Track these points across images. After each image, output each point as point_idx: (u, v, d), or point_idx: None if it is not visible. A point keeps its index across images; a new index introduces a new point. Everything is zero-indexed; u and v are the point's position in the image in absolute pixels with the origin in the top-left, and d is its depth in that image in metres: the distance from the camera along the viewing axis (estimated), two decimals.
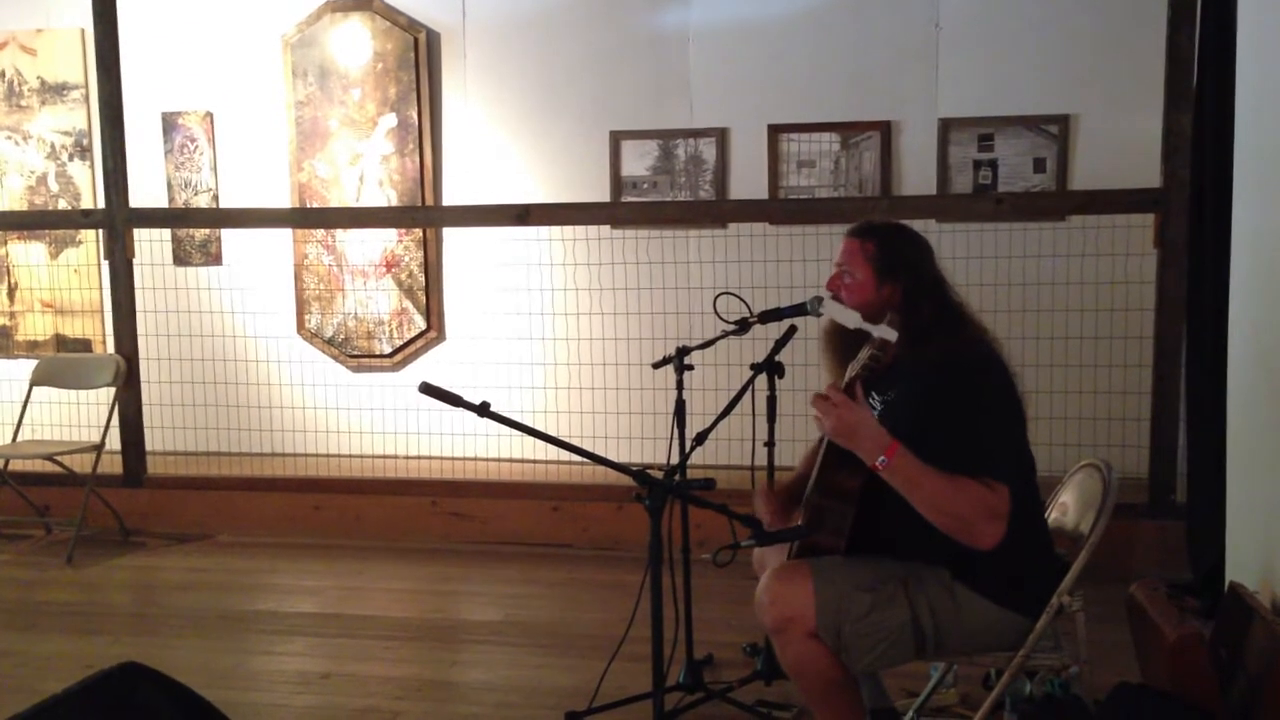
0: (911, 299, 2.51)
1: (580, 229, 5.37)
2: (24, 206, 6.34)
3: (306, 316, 6.10)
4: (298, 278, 6.09)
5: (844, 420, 2.33)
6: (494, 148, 5.85)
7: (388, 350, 6.04)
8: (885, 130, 5.41)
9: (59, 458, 5.20)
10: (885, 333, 2.35)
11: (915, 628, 2.39)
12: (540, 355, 5.65)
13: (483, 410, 2.16)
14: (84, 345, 6.32)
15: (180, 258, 6.17)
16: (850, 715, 2.47)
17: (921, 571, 2.44)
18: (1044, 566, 2.48)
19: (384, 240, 5.98)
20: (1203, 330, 4.08)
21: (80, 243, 6.28)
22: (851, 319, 2.47)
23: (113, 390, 5.35)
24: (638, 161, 5.69)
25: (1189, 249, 4.31)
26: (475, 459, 5.45)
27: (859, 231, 2.63)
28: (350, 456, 5.86)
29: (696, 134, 5.62)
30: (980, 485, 2.29)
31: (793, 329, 3.22)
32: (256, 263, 6.11)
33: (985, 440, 2.37)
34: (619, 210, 5.49)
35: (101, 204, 5.61)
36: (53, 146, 6.32)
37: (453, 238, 5.97)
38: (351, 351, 6.08)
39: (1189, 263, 4.31)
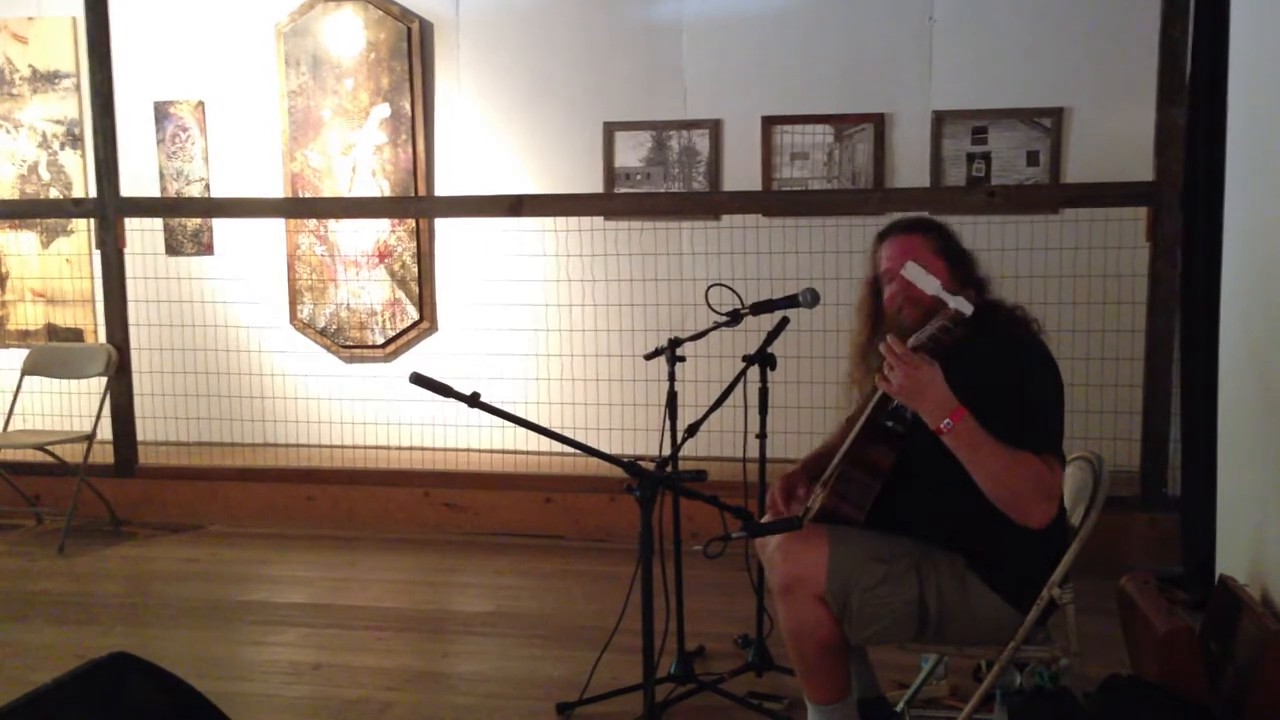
0: (972, 287, 2.49)
1: (573, 220, 5.37)
2: (15, 195, 6.31)
3: (299, 307, 6.09)
4: (290, 268, 6.08)
5: (916, 376, 2.28)
6: (487, 138, 5.84)
7: (380, 341, 6.03)
8: (879, 122, 5.41)
9: (50, 447, 5.18)
10: (962, 305, 2.27)
11: (921, 608, 2.41)
12: (533, 346, 5.64)
13: (473, 401, 2.16)
14: (75, 335, 6.30)
15: (172, 247, 6.15)
16: (837, 686, 2.49)
17: (936, 554, 2.45)
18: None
19: (377, 230, 5.97)
20: (1195, 324, 4.09)
21: (72, 232, 6.27)
22: (931, 285, 2.37)
23: (104, 380, 5.34)
24: (631, 153, 5.68)
25: (1182, 243, 4.32)
26: (468, 450, 5.45)
27: (907, 227, 2.59)
28: (343, 447, 5.86)
29: (690, 125, 5.61)
30: (1040, 462, 2.29)
31: (785, 321, 3.22)
32: (249, 253, 6.10)
33: (1045, 420, 2.38)
34: (612, 201, 5.48)
35: (93, 193, 5.61)
36: (44, 135, 6.29)
37: (445, 228, 5.96)
38: (344, 342, 6.07)
39: (1182, 256, 4.32)
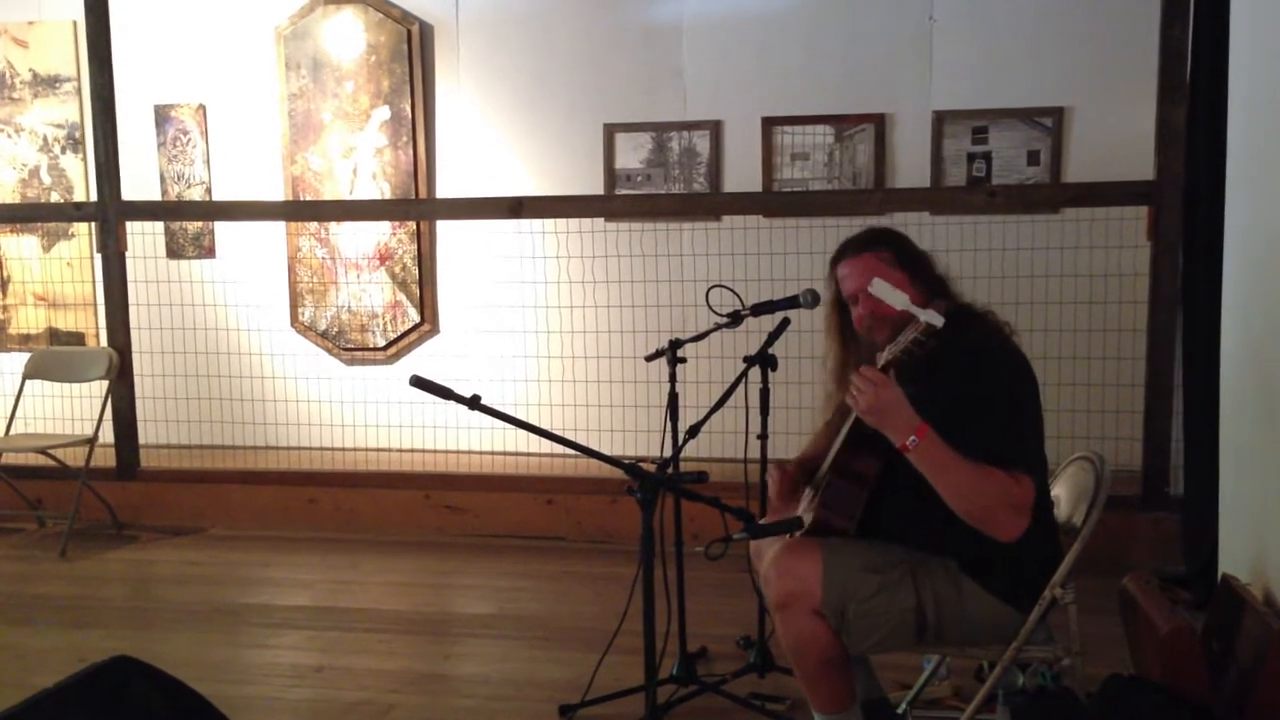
0: (936, 291, 2.49)
1: (574, 222, 5.37)
2: (16, 199, 6.31)
3: (300, 309, 6.09)
4: (291, 270, 6.08)
5: (880, 398, 2.28)
6: (487, 140, 5.84)
7: (381, 343, 6.03)
8: (879, 123, 5.41)
9: (52, 451, 5.19)
10: (932, 317, 2.23)
11: (919, 615, 2.40)
12: (534, 348, 5.65)
13: (473, 403, 2.16)
14: (77, 338, 6.31)
15: (173, 250, 6.16)
16: (841, 696, 2.48)
17: (929, 560, 2.44)
18: (1052, 567, 2.46)
19: (377, 233, 5.97)
20: (1197, 322, 4.09)
21: (73, 235, 6.27)
22: (899, 300, 2.34)
23: (105, 383, 5.35)
24: (631, 154, 5.68)
25: (1183, 242, 4.32)
26: (469, 452, 5.45)
27: (859, 246, 2.57)
28: (344, 450, 5.86)
29: (690, 126, 5.61)
30: (1006, 475, 2.29)
31: (785, 321, 3.22)
32: (250, 256, 6.10)
33: (1015, 432, 2.37)
34: (613, 203, 5.48)
35: (94, 197, 5.61)
36: (45, 139, 6.29)
37: (446, 230, 5.96)
38: (345, 344, 6.07)
39: (1183, 256, 4.32)
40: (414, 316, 5.99)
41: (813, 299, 3.17)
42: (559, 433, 2.24)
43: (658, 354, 3.33)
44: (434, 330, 6.02)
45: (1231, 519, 3.32)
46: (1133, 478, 4.58)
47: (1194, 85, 4.17)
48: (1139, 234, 4.57)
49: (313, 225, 6.02)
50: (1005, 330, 2.53)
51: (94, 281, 6.10)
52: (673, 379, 3.30)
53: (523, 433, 2.26)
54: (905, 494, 2.39)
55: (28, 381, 5.44)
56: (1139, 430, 4.60)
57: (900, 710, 3.02)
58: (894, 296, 2.35)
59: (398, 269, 5.98)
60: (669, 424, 3.29)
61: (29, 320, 6.37)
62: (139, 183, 5.91)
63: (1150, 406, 4.53)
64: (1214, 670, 2.66)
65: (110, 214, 5.35)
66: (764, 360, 3.19)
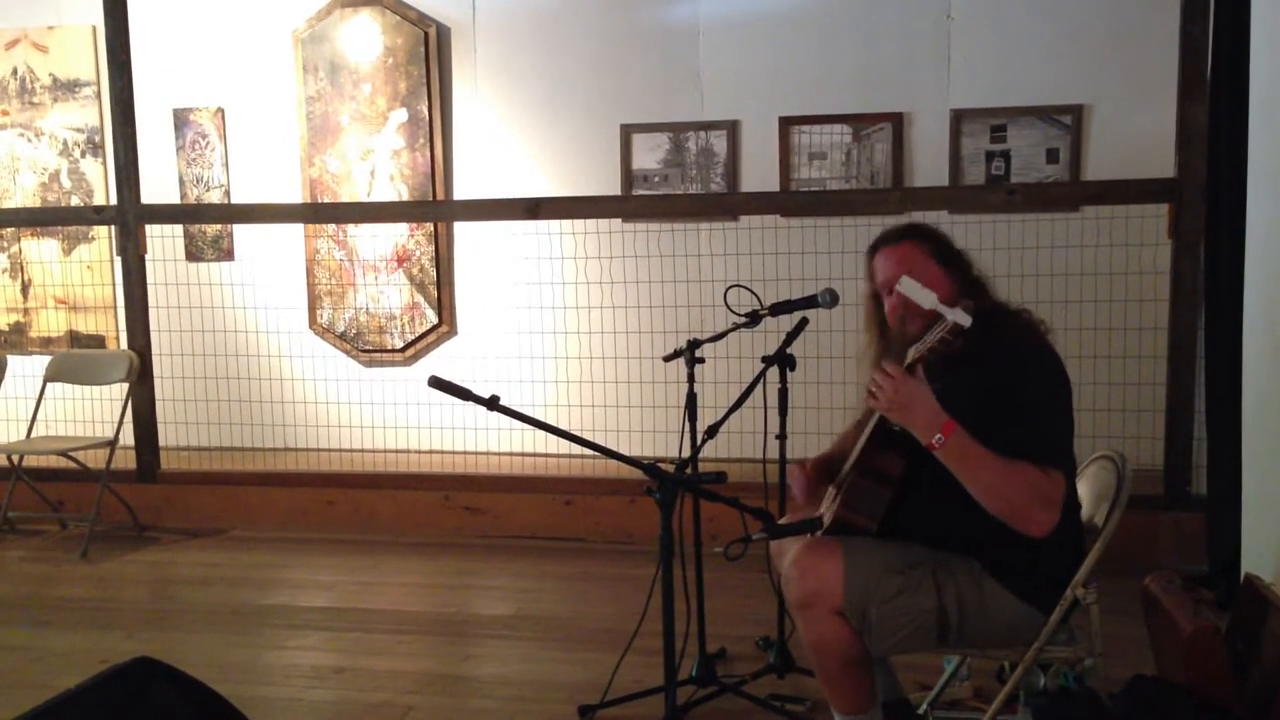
0: (968, 287, 2.48)
1: (591, 222, 5.37)
2: (37, 203, 6.35)
3: (318, 311, 6.11)
4: (309, 273, 6.10)
5: (901, 395, 2.28)
6: (504, 142, 5.85)
7: (399, 345, 6.04)
8: (897, 122, 5.39)
9: (73, 453, 5.22)
10: (960, 316, 2.23)
11: (940, 616, 2.38)
12: (552, 349, 5.65)
13: (491, 404, 2.16)
14: (97, 341, 6.34)
15: (192, 253, 6.18)
16: (862, 697, 2.47)
17: (951, 560, 2.42)
18: (1076, 568, 2.44)
19: (395, 235, 5.99)
20: (1220, 320, 4.06)
21: (93, 239, 6.31)
22: (927, 299, 2.33)
23: (126, 386, 5.37)
24: (648, 155, 5.68)
25: (1206, 240, 4.29)
26: (488, 453, 5.45)
27: (896, 237, 2.57)
28: (363, 451, 5.88)
29: (707, 126, 5.61)
30: (1036, 470, 2.27)
31: (804, 321, 3.21)
32: (268, 258, 6.12)
33: (1045, 428, 2.35)
34: (630, 204, 5.48)
35: (114, 200, 5.64)
36: (65, 143, 6.33)
37: (464, 232, 5.97)
38: (363, 346, 6.09)
39: (1206, 254, 4.29)
40: (432, 318, 6.00)
41: (831, 299, 3.16)
42: (577, 433, 2.23)
43: (676, 354, 3.33)
44: (452, 332, 6.03)
45: (1255, 518, 3.30)
46: (1154, 477, 4.55)
47: (1215, 82, 4.14)
48: (1160, 232, 4.54)
49: (331, 227, 6.04)
50: (1040, 329, 2.52)
51: (114, 284, 6.13)
52: (691, 379, 3.29)
53: (541, 433, 2.26)
54: (928, 493, 2.38)
55: (49, 384, 5.47)
56: (1160, 429, 4.57)
57: (921, 711, 3.01)
58: (922, 295, 2.35)
59: (415, 271, 5.99)
60: (687, 424, 3.28)
61: (50, 323, 6.42)
62: (158, 186, 5.94)
63: (1172, 405, 4.50)
64: (1237, 671, 2.64)
65: (130, 217, 5.38)
66: (782, 360, 3.19)
